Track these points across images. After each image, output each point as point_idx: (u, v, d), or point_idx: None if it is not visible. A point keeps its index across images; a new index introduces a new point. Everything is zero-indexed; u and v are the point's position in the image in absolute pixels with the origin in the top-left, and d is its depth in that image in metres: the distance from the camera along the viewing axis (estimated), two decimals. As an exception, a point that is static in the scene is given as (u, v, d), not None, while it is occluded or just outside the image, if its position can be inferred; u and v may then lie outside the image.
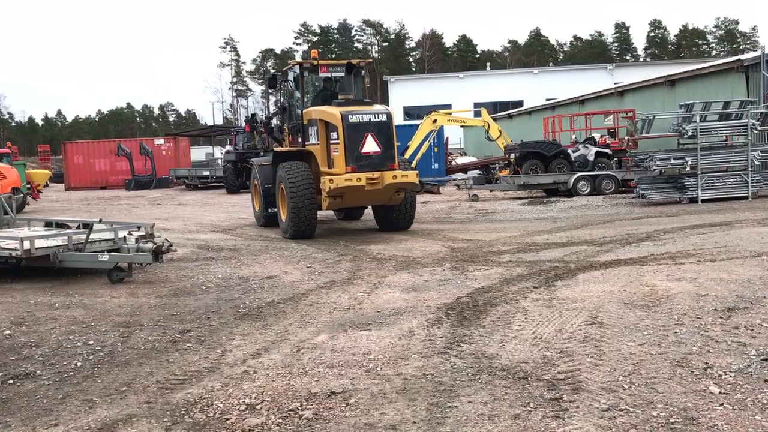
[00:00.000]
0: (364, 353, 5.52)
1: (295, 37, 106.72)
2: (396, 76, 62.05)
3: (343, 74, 13.59)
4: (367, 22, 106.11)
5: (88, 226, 10.20)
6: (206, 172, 34.26)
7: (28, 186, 25.00)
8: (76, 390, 4.97)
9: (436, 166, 28.65)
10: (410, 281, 8.44)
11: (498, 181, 22.20)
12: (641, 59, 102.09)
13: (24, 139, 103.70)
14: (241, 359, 5.53)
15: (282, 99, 15.19)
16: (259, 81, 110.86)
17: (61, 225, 11.37)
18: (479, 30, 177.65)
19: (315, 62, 13.43)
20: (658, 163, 15.49)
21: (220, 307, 7.47)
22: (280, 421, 4.25)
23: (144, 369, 5.38)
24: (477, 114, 24.54)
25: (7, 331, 6.71)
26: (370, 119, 11.96)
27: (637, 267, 8.55)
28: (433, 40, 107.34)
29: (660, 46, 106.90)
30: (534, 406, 4.24)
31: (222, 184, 31.10)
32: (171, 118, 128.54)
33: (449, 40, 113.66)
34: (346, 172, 11.91)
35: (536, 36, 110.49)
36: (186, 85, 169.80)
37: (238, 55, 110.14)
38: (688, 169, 15.55)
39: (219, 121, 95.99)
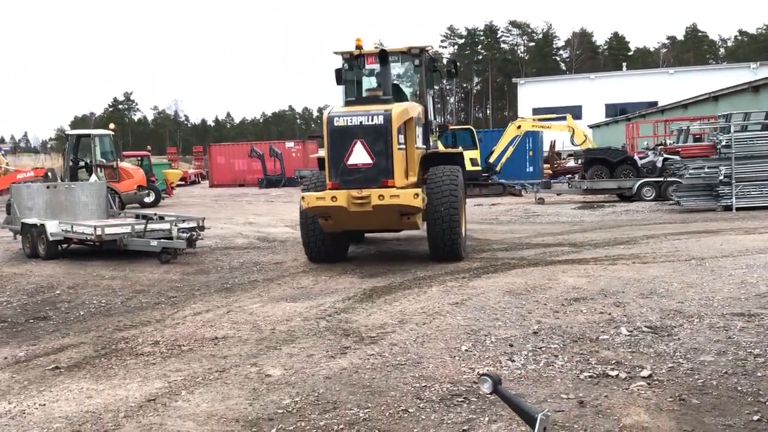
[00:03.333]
0: (267, 316, 7.46)
1: (441, 40, 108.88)
2: (525, 78, 62.41)
3: (398, 65, 11.60)
4: (513, 23, 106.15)
5: (162, 218, 13.00)
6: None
7: (170, 183, 29.21)
8: (63, 327, 7.37)
9: (531, 169, 29.55)
10: (362, 275, 10.21)
11: (571, 186, 22.94)
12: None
13: (197, 138, 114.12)
14: (183, 316, 7.68)
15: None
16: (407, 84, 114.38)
17: (144, 217, 14.22)
18: (633, 27, 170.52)
19: (358, 51, 11.05)
20: (691, 171, 15.87)
21: (214, 283, 9.69)
22: (165, 351, 6.31)
23: (115, 318, 7.70)
24: (563, 119, 25.27)
25: (59, 291, 9.37)
26: (361, 122, 9.38)
27: (571, 265, 9.71)
28: (582, 38, 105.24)
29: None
30: (342, 346, 6.00)
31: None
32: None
33: (600, 38, 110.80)
34: (328, 188, 9.76)
35: (693, 32, 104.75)
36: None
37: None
38: (722, 177, 15.77)
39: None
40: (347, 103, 10.34)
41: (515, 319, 6.78)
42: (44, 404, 4.99)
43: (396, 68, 11.61)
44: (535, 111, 55.16)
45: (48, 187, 14.49)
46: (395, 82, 11.35)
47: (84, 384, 5.42)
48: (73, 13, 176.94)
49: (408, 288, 8.59)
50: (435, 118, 12.12)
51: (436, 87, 12.80)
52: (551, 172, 32.43)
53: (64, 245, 12.64)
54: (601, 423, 4.29)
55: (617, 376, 5.12)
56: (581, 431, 4.19)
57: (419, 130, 10.62)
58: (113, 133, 23.33)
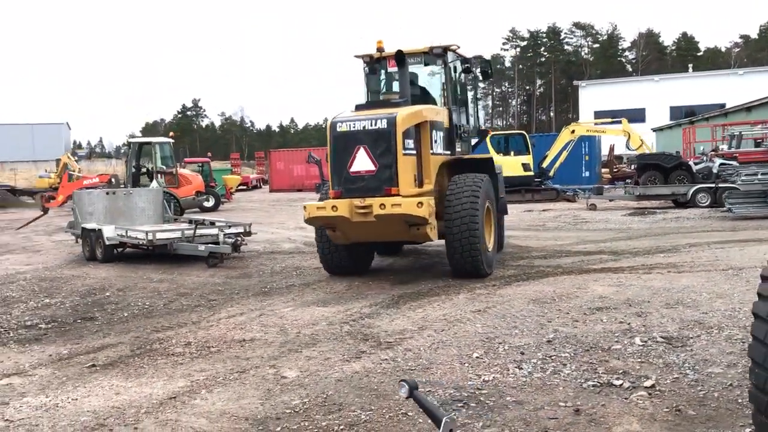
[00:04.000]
0: (295, 320, 7.77)
1: (503, 43, 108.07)
2: (587, 81, 61.37)
3: (421, 66, 10.98)
4: (577, 25, 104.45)
5: (213, 224, 13.57)
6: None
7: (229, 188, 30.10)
8: (106, 328, 7.84)
9: (587, 174, 29.16)
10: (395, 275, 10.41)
11: (625, 192, 22.57)
12: None
13: (261, 144, 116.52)
14: (218, 318, 8.06)
15: None
16: (468, 87, 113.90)
17: (195, 222, 14.81)
18: (703, 26, 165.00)
19: (378, 54, 10.66)
20: (743, 178, 15.44)
21: (253, 287, 10.08)
22: (194, 352, 6.69)
23: (155, 320, 8.14)
24: (619, 123, 24.87)
25: (108, 293, 9.94)
26: (364, 127, 8.97)
27: (605, 274, 9.69)
28: (648, 39, 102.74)
29: None
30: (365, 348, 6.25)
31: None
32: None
33: (668, 39, 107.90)
34: (331, 197, 9.36)
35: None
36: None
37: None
38: (775, 184, 15.31)
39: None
40: (357, 108, 9.71)
41: (533, 328, 6.88)
42: (76, 399, 5.40)
43: (419, 70, 11.05)
44: (597, 114, 54.15)
45: (107, 193, 15.26)
46: (422, 84, 10.96)
47: (115, 381, 5.83)
48: (148, 24, 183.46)
49: (436, 295, 8.77)
50: (468, 122, 11.68)
51: (470, 89, 11.99)
52: (611, 176, 31.92)
53: (120, 249, 13.33)
54: (591, 431, 4.39)
55: (621, 385, 5.19)
56: (570, 438, 4.31)
57: (438, 135, 10.08)
58: (173, 140, 24.27)
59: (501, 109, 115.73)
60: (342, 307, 8.33)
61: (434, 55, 10.53)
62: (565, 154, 24.87)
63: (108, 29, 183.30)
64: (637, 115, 52.40)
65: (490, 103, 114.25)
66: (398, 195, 8.98)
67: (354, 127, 9.12)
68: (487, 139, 27.21)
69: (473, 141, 12.24)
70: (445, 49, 10.54)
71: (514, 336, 6.63)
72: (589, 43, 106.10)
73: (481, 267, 9.64)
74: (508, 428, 4.49)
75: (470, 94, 12.04)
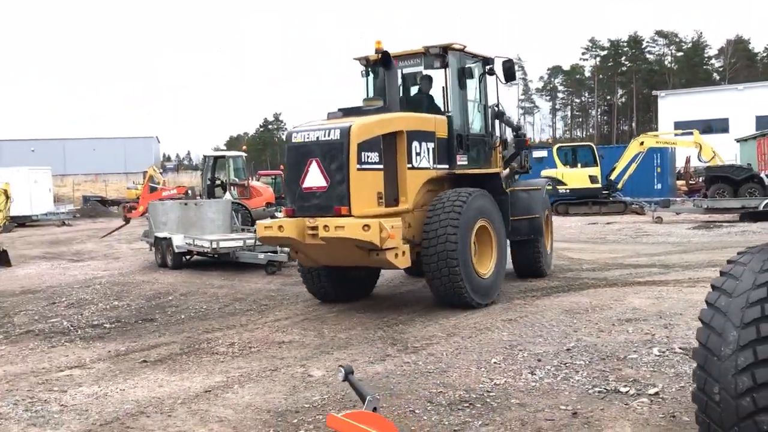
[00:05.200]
0: (335, 324, 8.23)
1: (582, 53, 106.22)
2: (666, 91, 59.63)
3: (421, 69, 9.94)
4: (659, 33, 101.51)
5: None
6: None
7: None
8: (162, 328, 8.52)
9: (659, 186, 28.52)
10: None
11: (694, 205, 22.03)
12: None
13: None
14: (264, 321, 8.61)
15: None
16: (546, 98, 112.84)
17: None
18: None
19: (377, 57, 9.34)
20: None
21: (305, 293, 10.56)
22: (236, 351, 7.24)
23: (207, 322, 8.77)
24: (689, 134, 24.30)
25: (171, 297, 10.69)
26: (317, 138, 8.08)
27: (647, 287, 9.72)
28: (737, 45, 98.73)
29: None
30: (391, 352, 6.66)
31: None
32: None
33: (759, 45, 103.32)
34: (283, 215, 8.81)
35: None
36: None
37: (525, 73, 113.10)
38: None
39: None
40: (329, 116, 8.65)
41: (557, 337, 7.08)
42: (124, 389, 6.02)
43: (434, 73, 9.95)
44: (677, 125, 52.56)
45: (180, 204, 16.23)
46: (426, 89, 10.00)
47: (160, 375, 6.43)
48: (233, 42, 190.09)
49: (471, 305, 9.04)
50: (488, 130, 10.43)
51: (490, 94, 10.51)
52: (687, 189, 31.09)
53: (188, 257, 14.20)
54: (582, 432, 4.62)
55: (626, 392, 5.37)
56: (560, 438, 4.56)
57: (425, 147, 8.87)
58: (245, 154, 25.33)
59: (581, 119, 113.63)
60: (380, 313, 8.74)
61: (432, 56, 9.50)
62: (634, 166, 24.49)
63: (198, 45, 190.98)
64: (720, 126, 50.68)
65: (569, 113, 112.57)
66: (349, 215, 7.88)
67: (308, 138, 8.19)
68: (554, 152, 27.18)
69: (506, 152, 11.09)
70: (445, 49, 9.45)
71: (536, 344, 6.86)
72: (673, 51, 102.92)
73: (466, 296, 8.51)
74: (504, 427, 4.77)
75: (492, 99, 10.54)
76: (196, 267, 13.96)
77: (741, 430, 2.98)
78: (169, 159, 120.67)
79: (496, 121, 10.75)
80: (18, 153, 66.73)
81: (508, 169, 11.24)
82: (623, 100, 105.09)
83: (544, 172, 26.16)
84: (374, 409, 2.50)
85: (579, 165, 25.95)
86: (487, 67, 10.26)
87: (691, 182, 31.72)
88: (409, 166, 8.64)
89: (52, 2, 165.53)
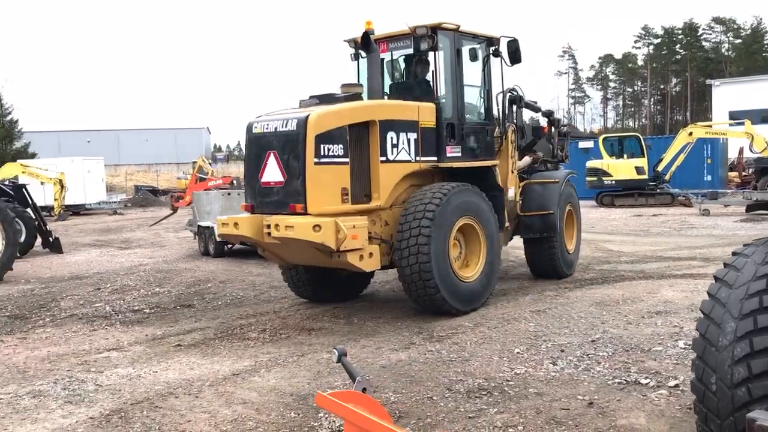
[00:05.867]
0: (366, 313, 8.37)
1: (635, 41, 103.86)
2: (721, 80, 57.89)
3: (409, 51, 8.98)
4: (716, 20, 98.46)
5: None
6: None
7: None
8: (199, 314, 8.79)
9: (709, 177, 27.79)
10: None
11: (743, 197, 21.38)
12: None
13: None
14: (297, 309, 8.80)
15: None
16: (598, 87, 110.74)
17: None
18: None
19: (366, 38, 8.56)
20: None
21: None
22: (266, 337, 7.44)
23: (242, 309, 9.01)
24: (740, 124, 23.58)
25: (210, 284, 10.99)
26: (276, 129, 7.51)
27: (684, 279, 9.58)
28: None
29: None
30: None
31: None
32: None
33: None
34: (242, 211, 8.25)
35: None
36: (531, 92, 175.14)
37: (575, 62, 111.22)
38: None
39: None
40: (300, 104, 7.96)
41: (583, 329, 7.08)
42: (156, 371, 6.27)
43: (415, 56, 9.03)
44: (732, 114, 50.95)
45: (223, 194, 16.58)
46: (428, 76, 8.99)
47: (192, 359, 6.67)
48: (288, 34, 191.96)
49: (503, 295, 9.07)
50: (491, 118, 9.46)
51: (497, 78, 9.45)
52: (740, 181, 30.21)
53: (230, 245, 14.51)
54: (595, 421, 4.65)
55: (646, 384, 5.36)
56: (573, 426, 4.59)
57: (404, 137, 8.05)
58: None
59: (633, 109, 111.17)
60: (409, 303, 8.81)
61: (419, 38, 8.45)
62: (682, 157, 23.91)
63: (252, 37, 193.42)
64: (777, 116, 48.96)
65: (621, 103, 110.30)
66: (305, 213, 7.24)
67: (267, 129, 7.60)
68: (600, 142, 26.76)
69: (523, 141, 10.16)
70: (434, 29, 8.44)
71: (561, 335, 6.87)
72: (730, 38, 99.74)
73: (440, 302, 7.73)
74: (519, 415, 4.83)
75: (506, 83, 9.58)
76: (236, 256, 14.28)
77: (736, 420, 2.99)
78: (219, 150, 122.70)
79: (514, 108, 9.85)
80: (75, 144, 68.79)
81: (527, 159, 10.59)
82: (677, 89, 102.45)
83: (590, 163, 25.79)
84: (363, 390, 2.61)
85: (625, 156, 25.48)
86: (492, 49, 9.28)
87: (744, 174, 30.82)
88: (383, 159, 7.85)
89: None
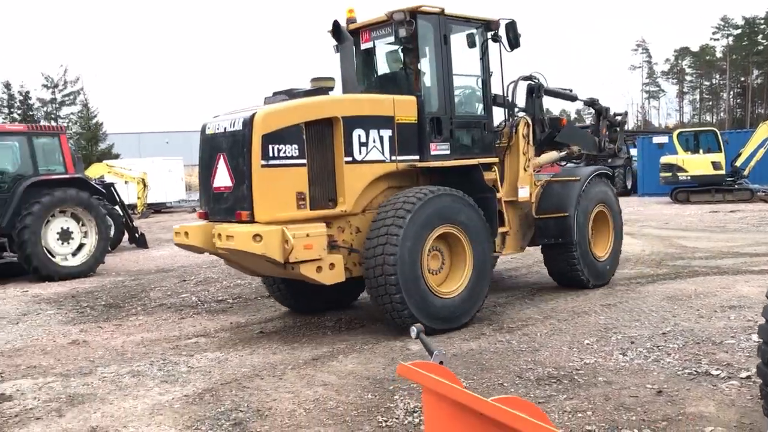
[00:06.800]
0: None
1: (713, 32, 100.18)
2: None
3: (392, 40, 8.04)
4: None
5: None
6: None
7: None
8: (278, 303, 9.24)
9: (793, 173, 26.69)
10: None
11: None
12: None
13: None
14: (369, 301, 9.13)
15: None
16: (673, 81, 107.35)
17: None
18: None
19: (353, 27, 8.17)
20: None
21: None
22: (342, 327, 7.79)
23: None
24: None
25: (255, 284, 11.45)
26: (224, 129, 6.94)
27: (761, 275, 9.42)
28: None
29: None
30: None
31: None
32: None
33: None
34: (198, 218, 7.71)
35: None
36: (602, 87, 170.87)
37: (649, 56, 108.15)
38: None
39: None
40: (265, 101, 7.31)
41: (654, 321, 7.14)
42: (242, 355, 6.71)
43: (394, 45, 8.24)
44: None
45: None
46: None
47: (275, 345, 7.08)
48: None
49: (573, 289, 9.14)
50: (489, 111, 8.41)
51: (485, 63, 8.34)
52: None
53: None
54: (664, 408, 4.78)
55: (717, 375, 5.43)
56: (642, 413, 4.73)
57: (376, 135, 7.29)
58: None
59: (711, 103, 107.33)
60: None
61: (398, 24, 7.56)
62: (762, 151, 23.14)
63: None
64: None
65: (698, 97, 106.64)
66: (252, 221, 6.62)
67: (218, 129, 7.04)
68: (675, 137, 26.14)
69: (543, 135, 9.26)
70: (413, 13, 7.55)
71: (631, 328, 6.95)
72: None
73: (409, 319, 6.77)
74: (588, 402, 5.00)
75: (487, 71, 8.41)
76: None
77: (800, 402, 3.11)
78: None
79: (532, 97, 9.10)
80: (154, 144, 71.49)
81: (551, 154, 9.75)
82: (759, 81, 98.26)
83: (664, 159, 25.24)
84: (441, 363, 2.87)
85: (701, 151, 24.81)
86: (490, 33, 8.29)
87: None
88: (348, 159, 7.07)
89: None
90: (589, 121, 9.64)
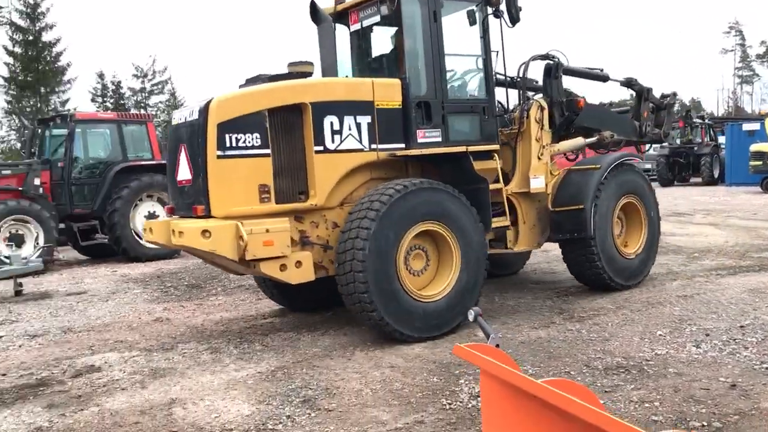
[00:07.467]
0: (513, 294, 8.62)
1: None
2: None
3: (378, 20, 7.48)
4: None
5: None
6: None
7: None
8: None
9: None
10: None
11: None
12: None
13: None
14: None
15: None
16: (765, 62, 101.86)
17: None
18: None
19: (342, 7, 7.73)
20: None
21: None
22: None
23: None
24: None
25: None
26: (185, 119, 6.50)
27: None
28: None
29: None
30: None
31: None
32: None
33: None
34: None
35: None
36: (690, 72, 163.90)
37: (743, 39, 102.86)
38: None
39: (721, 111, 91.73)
40: (240, 86, 6.90)
41: (733, 314, 6.92)
42: (314, 336, 6.94)
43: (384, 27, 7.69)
44: None
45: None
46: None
47: (345, 327, 7.28)
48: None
49: (649, 279, 8.93)
50: (490, 94, 7.58)
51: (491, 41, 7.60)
52: None
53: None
54: (737, 402, 4.66)
55: (796, 371, 5.24)
56: (713, 405, 4.64)
57: (353, 122, 6.68)
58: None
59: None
60: (551, 284, 9.00)
61: (380, 0, 7.13)
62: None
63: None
64: None
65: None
66: (208, 216, 6.15)
67: (181, 119, 6.60)
68: (766, 124, 24.92)
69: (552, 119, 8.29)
70: None
71: (708, 320, 6.77)
72: None
73: (381, 323, 6.37)
74: (656, 392, 4.93)
75: (492, 52, 7.65)
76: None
77: None
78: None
79: (549, 78, 8.42)
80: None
81: (576, 140, 8.75)
82: None
83: (754, 147, 24.13)
84: (497, 346, 2.93)
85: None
86: (490, 9, 7.50)
87: None
88: (319, 149, 6.50)
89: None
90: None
